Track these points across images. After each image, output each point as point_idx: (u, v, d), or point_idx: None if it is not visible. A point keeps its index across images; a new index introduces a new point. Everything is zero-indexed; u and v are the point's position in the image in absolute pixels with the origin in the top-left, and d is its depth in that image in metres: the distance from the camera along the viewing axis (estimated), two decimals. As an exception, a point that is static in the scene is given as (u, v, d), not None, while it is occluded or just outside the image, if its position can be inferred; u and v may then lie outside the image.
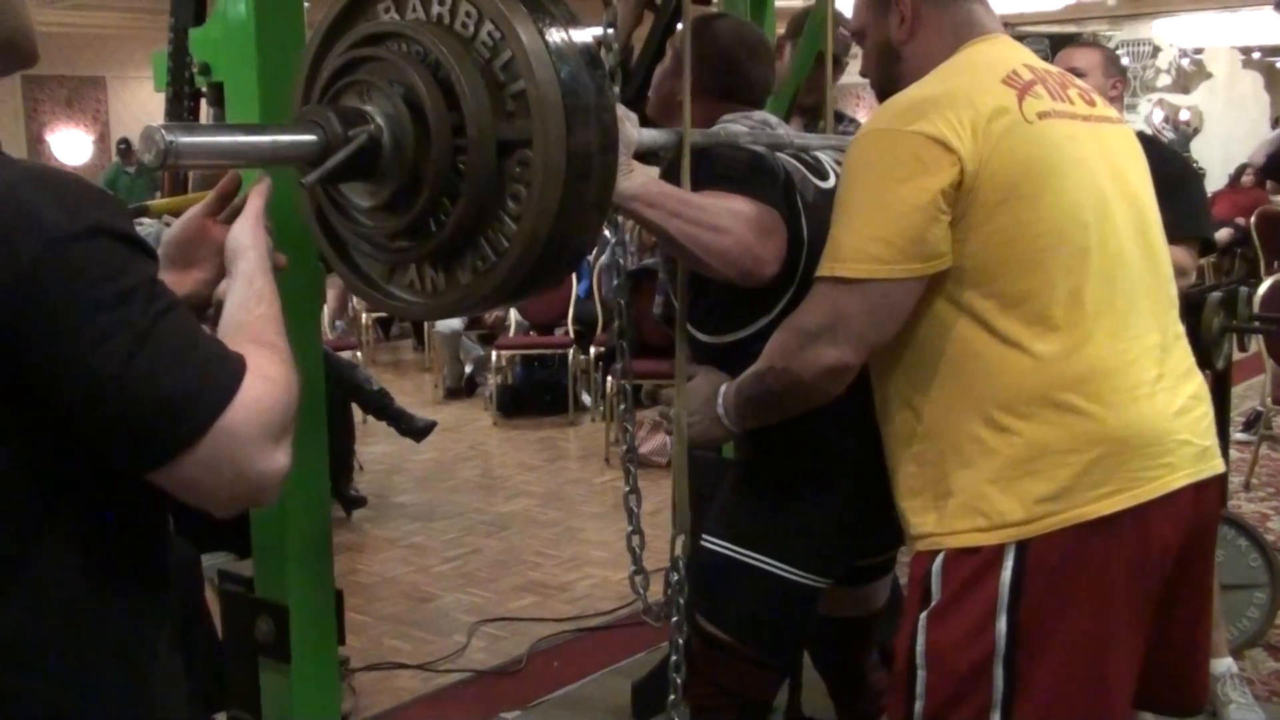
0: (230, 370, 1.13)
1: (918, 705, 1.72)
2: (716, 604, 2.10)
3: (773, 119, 2.23)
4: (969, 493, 1.69)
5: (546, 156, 1.44)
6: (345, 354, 6.65)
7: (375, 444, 6.56)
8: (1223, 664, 3.08)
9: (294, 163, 1.47)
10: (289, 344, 1.25)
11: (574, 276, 7.80)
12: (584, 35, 1.51)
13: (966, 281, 1.71)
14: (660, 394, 6.66)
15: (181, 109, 2.05)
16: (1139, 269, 1.79)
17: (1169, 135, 12.04)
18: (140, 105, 13.65)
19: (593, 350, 7.35)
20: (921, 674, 1.71)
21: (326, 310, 9.17)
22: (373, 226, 1.56)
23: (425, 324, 8.84)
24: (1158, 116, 12.82)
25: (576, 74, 1.47)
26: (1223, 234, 8.09)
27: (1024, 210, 1.69)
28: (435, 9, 1.51)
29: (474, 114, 1.45)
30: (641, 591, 2.20)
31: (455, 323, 8.00)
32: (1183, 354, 1.83)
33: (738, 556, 2.07)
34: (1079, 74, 3.04)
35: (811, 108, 3.16)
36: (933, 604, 1.71)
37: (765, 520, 2.09)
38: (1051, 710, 1.68)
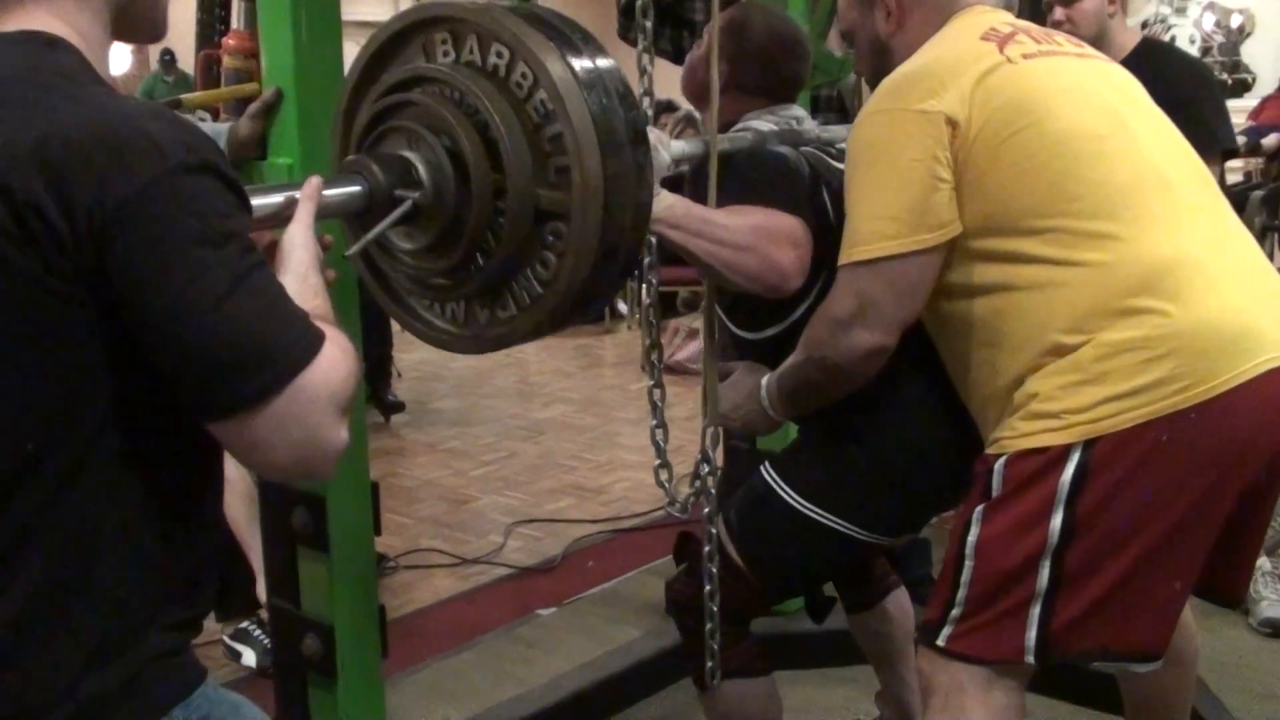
0: (314, 333, 1.14)
1: (960, 593, 1.73)
2: (754, 541, 2.10)
3: (801, 113, 2.24)
4: (1040, 398, 1.68)
5: (581, 239, 1.45)
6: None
7: (413, 351, 6.59)
8: (1259, 561, 3.09)
9: (339, 216, 1.46)
10: None
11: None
12: (633, 113, 1.49)
13: (995, 231, 1.73)
14: (700, 302, 6.65)
15: (212, 17, 2.06)
16: (1171, 168, 1.78)
17: (1219, 39, 11.76)
18: (178, 15, 13.58)
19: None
20: (969, 563, 1.72)
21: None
22: (412, 265, 1.56)
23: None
24: (1208, 21, 12.51)
25: (621, 165, 1.45)
26: (1270, 140, 7.92)
27: (1030, 139, 1.71)
28: (492, 61, 1.48)
29: (517, 184, 1.45)
30: (667, 484, 2.23)
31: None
32: (1246, 245, 1.79)
33: (802, 509, 2.03)
34: None
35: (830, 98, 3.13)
36: (991, 498, 1.72)
37: (836, 476, 2.05)
38: (1095, 609, 1.67)
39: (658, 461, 2.17)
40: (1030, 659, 1.70)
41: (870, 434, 2.03)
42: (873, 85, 1.89)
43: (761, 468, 2.10)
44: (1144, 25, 10.37)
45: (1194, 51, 10.98)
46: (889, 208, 1.75)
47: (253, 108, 2.05)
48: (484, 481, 4.73)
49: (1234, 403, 1.62)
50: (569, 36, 1.48)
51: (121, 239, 1.07)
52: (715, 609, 2.07)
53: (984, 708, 1.74)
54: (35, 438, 1.12)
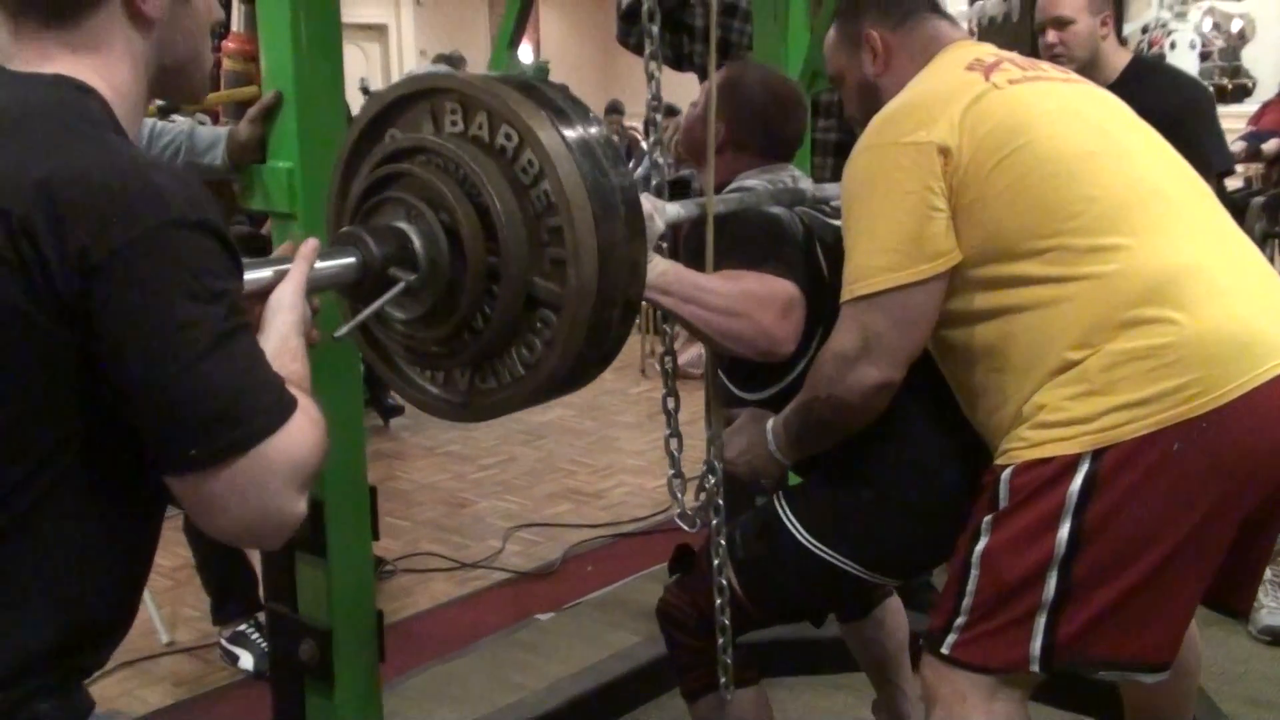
0: (286, 400, 1.15)
1: (965, 602, 1.73)
2: (756, 571, 2.08)
3: (797, 172, 2.25)
4: (1048, 409, 1.68)
5: (570, 332, 1.44)
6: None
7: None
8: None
9: (332, 289, 1.45)
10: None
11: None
12: (635, 203, 1.47)
13: (994, 257, 1.73)
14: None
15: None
16: (1165, 181, 1.78)
17: (1219, 44, 11.76)
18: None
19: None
20: (974, 573, 1.72)
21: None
22: (404, 333, 1.55)
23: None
24: (1207, 25, 12.52)
25: (617, 265, 1.43)
26: (1270, 145, 7.91)
27: (1021, 161, 1.72)
28: (500, 142, 1.44)
29: (512, 271, 1.42)
30: (679, 495, 2.21)
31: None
32: (1248, 251, 1.79)
33: (809, 545, 2.01)
34: (1065, 22, 3.01)
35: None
36: (998, 508, 1.71)
37: (847, 516, 2.02)
38: (1102, 620, 1.66)
39: (671, 471, 2.15)
40: (1035, 668, 1.69)
41: (882, 473, 2.00)
42: (863, 127, 1.90)
43: (774, 498, 2.07)
44: (1144, 30, 10.35)
45: (1194, 57, 10.97)
46: (887, 241, 1.76)
47: (252, 111, 2.04)
48: (483, 485, 4.73)
49: (1245, 410, 1.60)
50: (592, 148, 1.43)
51: (111, 281, 1.07)
52: (726, 621, 2.04)
53: (987, 717, 1.73)
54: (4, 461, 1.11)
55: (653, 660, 2.90)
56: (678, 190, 5.22)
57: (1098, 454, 1.63)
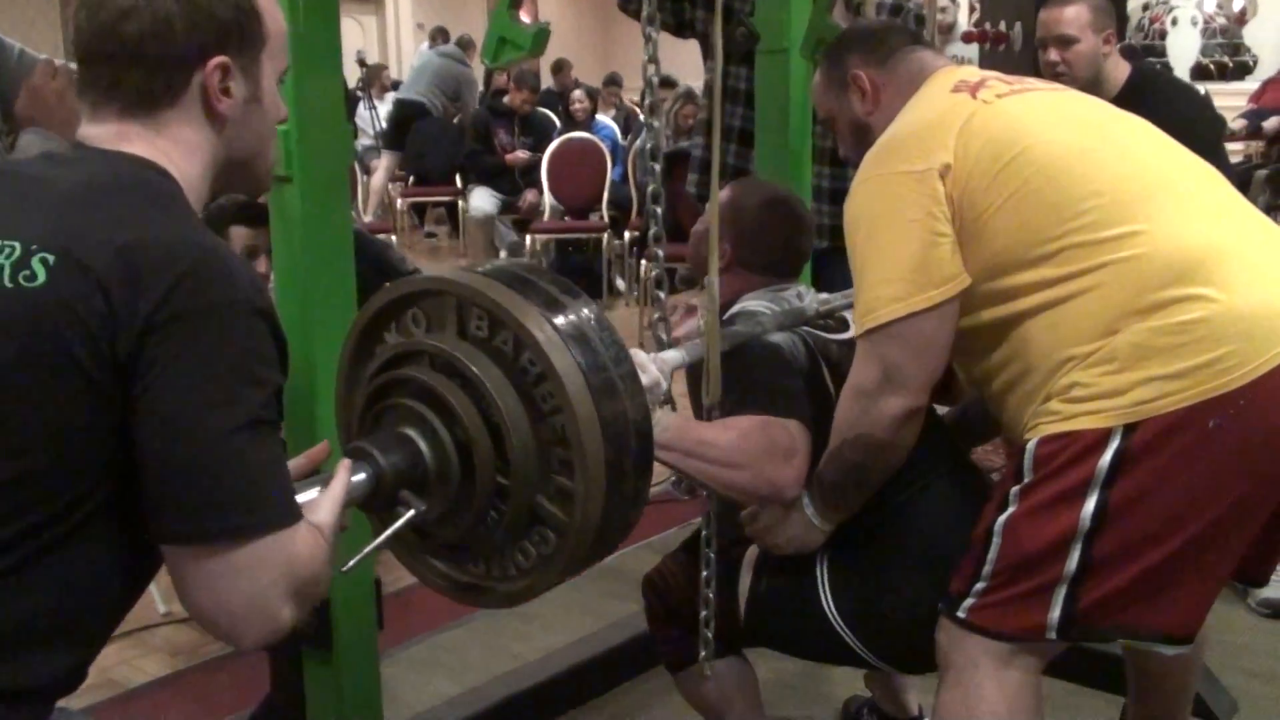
0: (298, 509, 1.18)
1: (986, 569, 1.72)
2: (769, 616, 2.07)
3: (802, 288, 2.22)
4: (1078, 386, 1.66)
5: (572, 553, 1.42)
6: (380, 237, 6.63)
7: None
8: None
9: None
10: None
11: (609, 161, 7.75)
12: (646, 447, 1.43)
13: (1005, 270, 1.72)
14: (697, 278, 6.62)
15: None
16: (1169, 167, 1.78)
17: (1220, 22, 11.71)
18: None
19: (627, 235, 7.32)
20: (997, 540, 1.71)
21: (372, 198, 9.17)
22: (415, 532, 1.51)
23: (459, 209, 8.82)
24: (1209, 2, 12.47)
25: (623, 495, 1.40)
26: (1271, 123, 7.88)
27: (1020, 169, 1.71)
28: (523, 365, 1.38)
29: (520, 493, 1.39)
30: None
31: (490, 208, 7.97)
32: (1266, 227, 1.77)
33: (833, 621, 1.99)
34: (1070, 40, 2.99)
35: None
36: (1023, 480, 1.69)
37: (881, 609, 1.98)
38: (1123, 595, 1.64)
39: None
40: (1052, 635, 1.68)
41: (926, 569, 1.92)
42: (856, 164, 1.89)
43: (818, 559, 2.00)
44: (1145, 7, 10.33)
45: (1195, 34, 10.94)
46: (893, 270, 1.74)
47: None
48: (480, 457, 4.70)
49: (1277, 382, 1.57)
50: (613, 382, 1.39)
51: (166, 340, 1.11)
52: (712, 596, 2.04)
53: (998, 685, 1.72)
54: (29, 491, 1.13)
55: (649, 631, 2.89)
56: (675, 161, 5.20)
57: (1129, 429, 1.60)
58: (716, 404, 1.94)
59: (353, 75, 9.87)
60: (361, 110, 9.82)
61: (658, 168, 1.98)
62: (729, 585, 2.07)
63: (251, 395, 1.13)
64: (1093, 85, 2.86)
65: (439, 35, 11.33)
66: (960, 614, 1.74)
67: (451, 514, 1.42)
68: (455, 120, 9.20)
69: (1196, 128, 2.61)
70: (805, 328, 2.12)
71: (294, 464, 1.39)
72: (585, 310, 1.40)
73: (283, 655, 2.24)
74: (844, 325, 2.16)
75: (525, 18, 2.14)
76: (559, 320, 1.37)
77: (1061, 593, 1.65)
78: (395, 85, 10.96)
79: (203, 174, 1.29)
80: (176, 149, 1.26)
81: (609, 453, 1.37)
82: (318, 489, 1.32)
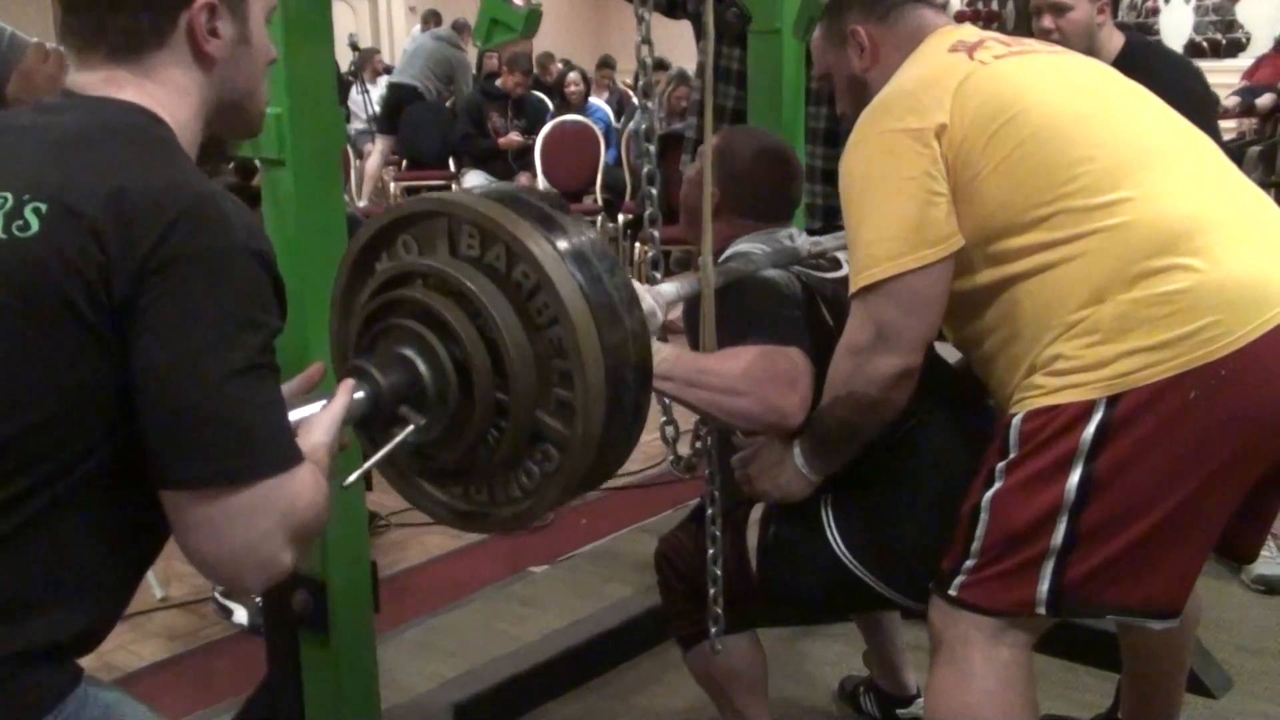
0: (298, 452, 1.17)
1: (975, 545, 1.72)
2: (782, 566, 2.05)
3: (794, 230, 2.22)
4: (1062, 358, 1.66)
5: (572, 467, 1.41)
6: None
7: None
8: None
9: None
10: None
11: (602, 144, 7.74)
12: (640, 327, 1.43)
13: (999, 234, 1.72)
14: (694, 261, 6.61)
15: None
16: (1163, 135, 1.77)
17: (1214, -1, 11.69)
18: None
19: (621, 217, 7.30)
20: (984, 516, 1.71)
21: (367, 183, 9.14)
22: (414, 456, 1.51)
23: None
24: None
25: (622, 417, 1.40)
26: (1265, 99, 7.87)
27: (1014, 132, 1.71)
28: (517, 279, 1.38)
29: (520, 410, 1.39)
30: (670, 441, 2.21)
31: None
32: (1257, 198, 1.77)
33: (846, 560, 1.97)
34: (1064, 8, 2.99)
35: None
36: (1008, 455, 1.70)
37: (892, 537, 1.97)
38: (1110, 567, 1.65)
39: (664, 419, 2.14)
40: (1042, 610, 1.68)
41: (930, 498, 1.93)
42: (854, 121, 1.88)
43: (821, 501, 2.00)
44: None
45: (1188, 12, 10.93)
46: (888, 229, 1.74)
47: None
48: (476, 440, 4.71)
49: (1266, 352, 1.58)
50: (609, 293, 1.38)
51: (163, 285, 1.10)
52: (718, 572, 2.03)
53: (988, 662, 1.73)
54: (36, 445, 1.13)
55: (646, 612, 2.90)
56: (669, 143, 5.18)
57: (1112, 401, 1.61)
58: (714, 340, 1.93)
59: (345, 59, 9.83)
60: (354, 94, 9.78)
61: (653, 150, 1.98)
62: (737, 546, 2.07)
63: (248, 339, 1.12)
64: (1086, 54, 2.85)
65: (431, 18, 11.29)
66: (952, 592, 1.74)
67: (451, 434, 1.42)
68: (449, 104, 9.17)
69: (1190, 98, 2.61)
70: (799, 267, 2.12)
71: (289, 386, 1.38)
72: (577, 224, 1.41)
73: (280, 639, 2.25)
74: (837, 265, 2.17)
75: (517, 0, 2.14)
76: (552, 233, 1.37)
77: (1049, 566, 1.66)
78: (388, 69, 10.93)
79: (194, 117, 1.28)
80: (166, 93, 1.24)
81: (608, 361, 1.36)
82: (320, 404, 1.32)
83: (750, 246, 2.15)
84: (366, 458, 1.44)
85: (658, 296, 1.90)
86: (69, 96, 1.25)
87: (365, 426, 1.42)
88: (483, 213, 1.38)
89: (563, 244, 1.37)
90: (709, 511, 2.04)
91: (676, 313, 2.08)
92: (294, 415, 1.25)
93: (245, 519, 1.12)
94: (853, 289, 1.79)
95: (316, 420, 1.29)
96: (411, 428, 1.39)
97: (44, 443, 1.13)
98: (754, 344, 1.92)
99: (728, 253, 2.16)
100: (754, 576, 2.06)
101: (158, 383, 1.10)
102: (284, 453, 1.15)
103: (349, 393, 1.35)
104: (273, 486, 1.12)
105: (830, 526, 1.99)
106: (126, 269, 1.10)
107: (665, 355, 1.87)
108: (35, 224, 1.12)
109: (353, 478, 1.41)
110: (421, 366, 1.39)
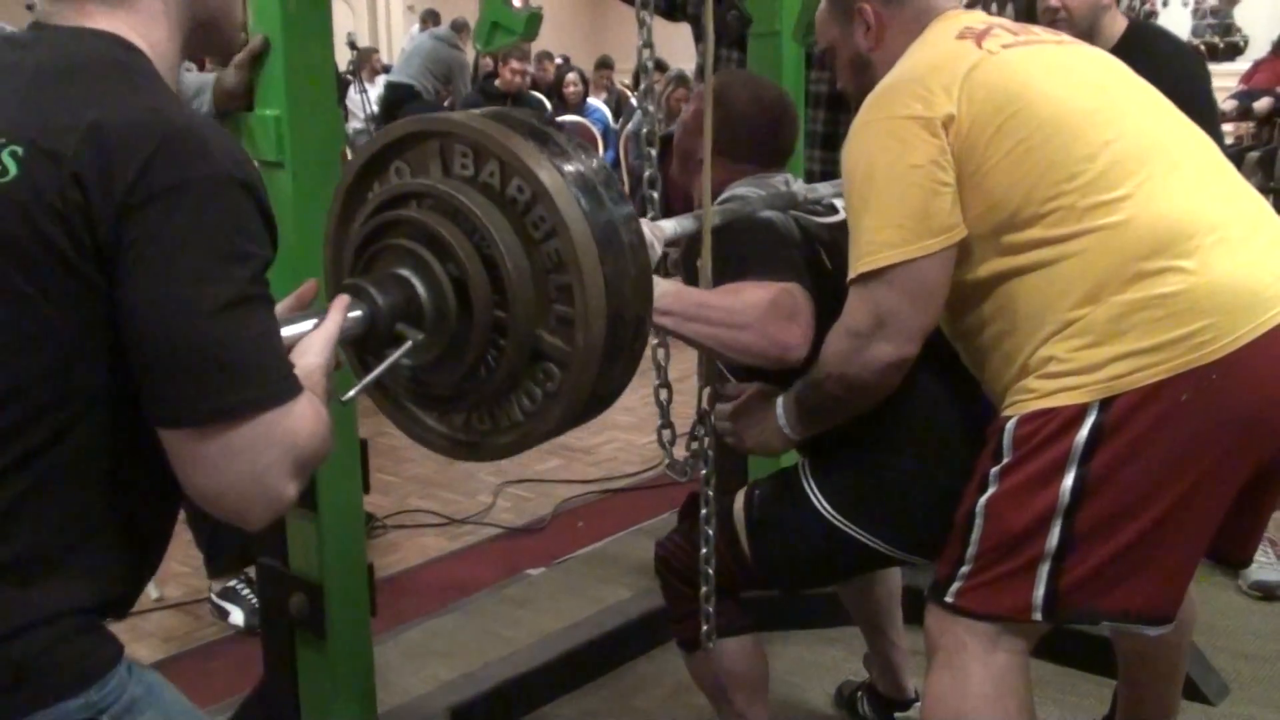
0: (296, 381, 1.14)
1: (970, 550, 1.72)
2: (772, 537, 2.06)
3: (789, 176, 2.22)
4: (1055, 360, 1.66)
5: (574, 389, 1.40)
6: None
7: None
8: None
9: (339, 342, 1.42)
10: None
11: (601, 144, 7.73)
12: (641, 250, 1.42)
13: (1000, 228, 1.72)
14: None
15: None
16: (1165, 135, 1.77)
17: (1212, 2, 11.70)
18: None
19: (619, 219, 7.28)
20: (979, 522, 1.71)
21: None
22: (408, 377, 1.50)
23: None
24: (1202, -17, 12.46)
25: (623, 330, 1.39)
26: (1262, 103, 7.88)
27: (1020, 125, 1.70)
28: (511, 194, 1.38)
29: (519, 326, 1.38)
30: (667, 445, 2.20)
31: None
32: (1254, 202, 1.77)
33: (833, 520, 1.98)
34: None
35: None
36: (1002, 459, 1.70)
37: (876, 489, 1.98)
38: (1105, 571, 1.65)
39: (660, 422, 2.14)
40: (1038, 616, 1.69)
41: (909, 450, 1.96)
42: (856, 101, 1.88)
43: (799, 468, 2.04)
44: (1137, -14, 10.29)
45: (1187, 15, 10.94)
46: (892, 216, 1.73)
47: (239, 57, 2.01)
48: (472, 442, 4.70)
49: (1257, 356, 1.58)
50: (605, 203, 1.38)
51: (146, 221, 1.07)
52: (711, 571, 2.04)
53: (985, 668, 1.73)
54: (35, 397, 1.11)
55: (643, 615, 2.90)
56: (669, 145, 5.18)
57: (1105, 404, 1.61)
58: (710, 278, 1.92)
59: (343, 58, 9.82)
60: (352, 94, 9.76)
61: (654, 152, 1.98)
62: (726, 532, 2.07)
63: (237, 270, 1.10)
64: (1088, 36, 2.85)
65: (430, 18, 11.27)
66: (948, 598, 1.74)
67: (450, 355, 1.40)
68: (446, 104, 9.16)
69: (1192, 84, 2.62)
70: (795, 212, 2.12)
71: (282, 305, 1.36)
72: (569, 138, 1.40)
73: (276, 641, 2.24)
74: (832, 210, 2.17)
75: (517, 1, 2.13)
76: (545, 146, 1.36)
77: (1045, 570, 1.66)
78: (386, 69, 10.91)
79: (169, 39, 1.25)
80: (139, 18, 1.22)
81: (607, 272, 1.35)
82: (312, 322, 1.29)
83: (746, 190, 2.15)
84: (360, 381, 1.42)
85: (656, 231, 1.89)
86: (39, 28, 1.22)
87: (360, 347, 1.40)
88: (476, 129, 1.37)
89: (557, 157, 1.36)
90: (703, 511, 2.04)
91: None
92: (285, 332, 1.22)
93: (246, 454, 1.10)
94: (853, 273, 1.78)
95: (310, 340, 1.26)
96: (410, 344, 1.37)
97: (49, 393, 1.11)
98: (753, 280, 1.92)
99: (723, 196, 2.15)
100: (749, 559, 2.07)
101: (146, 321, 1.08)
102: (281, 385, 1.12)
103: (344, 309, 1.31)
104: (272, 420, 1.10)
105: (814, 491, 2.01)
106: (107, 209, 1.07)
107: (666, 290, 1.86)
108: (14, 168, 1.10)
109: (352, 393, 1.39)
110: (418, 285, 1.38)
